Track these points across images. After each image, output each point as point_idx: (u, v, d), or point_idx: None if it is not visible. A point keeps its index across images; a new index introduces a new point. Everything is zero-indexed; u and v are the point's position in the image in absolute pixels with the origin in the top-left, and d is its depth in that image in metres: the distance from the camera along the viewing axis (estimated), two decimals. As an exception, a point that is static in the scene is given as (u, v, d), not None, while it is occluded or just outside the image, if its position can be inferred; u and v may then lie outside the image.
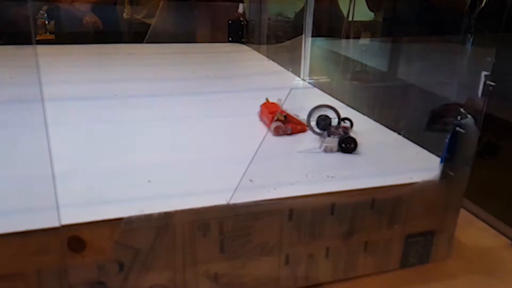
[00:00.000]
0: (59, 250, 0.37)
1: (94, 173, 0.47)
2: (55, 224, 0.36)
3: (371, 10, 1.12)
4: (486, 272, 0.50)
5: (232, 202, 0.41)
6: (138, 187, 0.44)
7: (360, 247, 0.47)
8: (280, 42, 1.23)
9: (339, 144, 0.53)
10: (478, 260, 0.52)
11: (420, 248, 0.50)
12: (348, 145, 0.53)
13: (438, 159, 0.50)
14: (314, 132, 0.56)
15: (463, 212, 0.54)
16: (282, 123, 0.56)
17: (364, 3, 1.18)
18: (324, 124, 0.56)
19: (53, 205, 0.38)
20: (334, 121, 0.57)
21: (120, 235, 0.38)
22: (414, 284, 0.48)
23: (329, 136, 0.54)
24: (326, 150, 0.53)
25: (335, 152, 0.53)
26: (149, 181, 0.45)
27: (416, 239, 0.49)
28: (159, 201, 0.41)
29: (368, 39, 1.16)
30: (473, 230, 0.57)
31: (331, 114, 0.57)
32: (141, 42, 1.33)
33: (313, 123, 0.56)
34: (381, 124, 0.63)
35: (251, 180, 0.45)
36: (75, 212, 0.38)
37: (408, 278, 0.49)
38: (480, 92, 0.48)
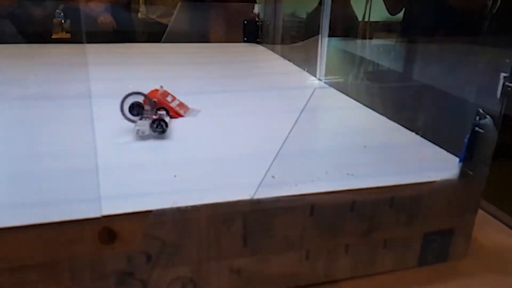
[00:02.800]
0: (92, 241, 0.39)
1: (120, 168, 0.48)
2: (94, 214, 0.38)
3: (390, 14, 1.13)
4: (504, 271, 0.51)
5: (255, 197, 0.43)
6: (165, 182, 0.46)
7: (379, 245, 0.48)
8: (293, 42, 1.24)
9: (150, 125, 0.56)
10: (495, 259, 0.52)
11: (438, 247, 0.51)
12: (159, 126, 0.56)
13: (455, 159, 0.51)
14: (127, 119, 0.57)
15: (479, 212, 0.55)
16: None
17: (378, 4, 1.19)
18: (138, 110, 0.57)
19: (88, 196, 0.40)
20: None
21: (149, 227, 0.40)
22: (431, 282, 0.49)
23: (141, 119, 0.57)
24: (139, 133, 0.55)
25: (147, 135, 0.55)
26: (175, 176, 0.47)
27: (434, 237, 0.50)
28: (186, 195, 0.42)
29: (384, 39, 1.17)
30: (490, 230, 0.57)
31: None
32: (156, 41, 1.35)
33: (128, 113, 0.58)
34: (399, 124, 0.64)
35: (273, 177, 0.46)
36: (107, 204, 0.40)
37: (426, 276, 0.50)
38: (498, 93, 0.48)
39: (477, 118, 0.48)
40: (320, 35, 0.83)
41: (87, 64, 0.89)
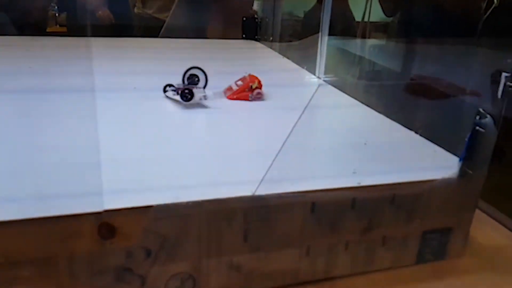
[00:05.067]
0: (91, 236, 0.38)
1: (120, 163, 0.48)
2: (95, 209, 0.37)
3: (386, 15, 1.14)
4: (500, 270, 0.51)
5: (257, 193, 0.42)
6: (166, 177, 0.45)
7: (378, 242, 0.48)
8: (290, 41, 1.24)
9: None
10: (492, 258, 0.53)
11: (436, 245, 0.51)
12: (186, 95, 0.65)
13: (454, 157, 0.51)
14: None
15: (476, 211, 0.55)
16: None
17: (376, 4, 1.19)
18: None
19: (88, 191, 0.39)
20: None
21: (149, 223, 0.40)
22: (429, 280, 0.49)
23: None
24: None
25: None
26: (176, 172, 0.46)
27: (433, 235, 0.50)
28: (187, 190, 0.42)
29: (381, 39, 1.17)
30: (487, 229, 0.58)
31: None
32: (151, 36, 1.34)
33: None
34: (398, 123, 0.64)
35: (275, 173, 0.46)
36: (107, 199, 0.39)
37: (423, 274, 0.50)
38: (500, 93, 0.49)
39: (478, 117, 0.49)
40: (320, 33, 0.83)
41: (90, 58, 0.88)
